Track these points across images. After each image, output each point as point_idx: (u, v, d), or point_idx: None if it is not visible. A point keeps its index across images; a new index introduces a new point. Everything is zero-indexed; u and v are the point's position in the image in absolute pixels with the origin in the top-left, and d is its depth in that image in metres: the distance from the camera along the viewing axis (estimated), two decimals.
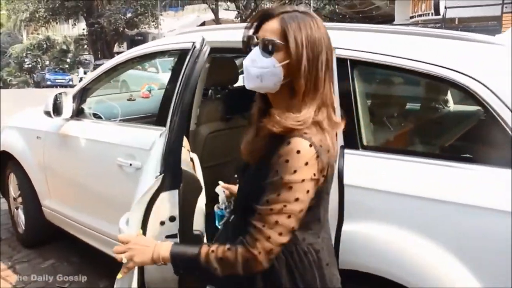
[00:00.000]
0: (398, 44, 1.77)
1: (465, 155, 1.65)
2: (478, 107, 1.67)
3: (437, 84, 2.09)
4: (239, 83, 3.06)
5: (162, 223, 1.77)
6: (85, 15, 29.33)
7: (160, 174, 1.83)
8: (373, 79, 2.29)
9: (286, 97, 1.14)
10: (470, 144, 1.97)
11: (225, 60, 2.94)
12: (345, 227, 1.66)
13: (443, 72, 1.59)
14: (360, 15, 22.37)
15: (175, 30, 21.17)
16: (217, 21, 24.33)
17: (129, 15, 28.79)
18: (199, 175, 2.00)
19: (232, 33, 2.26)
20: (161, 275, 1.75)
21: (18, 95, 17.82)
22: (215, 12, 25.08)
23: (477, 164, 1.53)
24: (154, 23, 28.67)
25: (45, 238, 3.48)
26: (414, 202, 1.56)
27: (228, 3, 25.43)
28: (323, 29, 1.14)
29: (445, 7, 11.99)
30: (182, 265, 1.20)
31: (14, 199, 3.52)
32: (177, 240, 1.76)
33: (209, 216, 1.90)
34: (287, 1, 22.67)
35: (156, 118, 2.42)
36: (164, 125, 2.12)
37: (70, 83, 25.67)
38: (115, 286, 1.54)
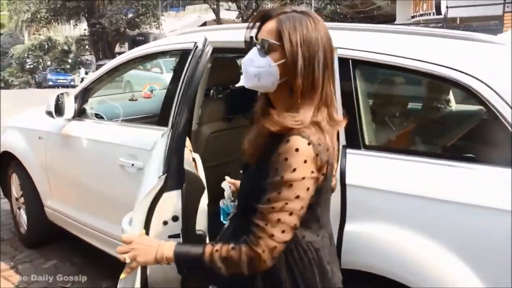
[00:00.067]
0: (400, 44, 1.77)
1: (468, 155, 1.65)
2: (480, 107, 1.67)
3: (439, 84, 2.09)
4: (240, 83, 3.06)
5: (165, 223, 1.77)
6: (86, 15, 29.40)
7: (163, 174, 1.83)
8: (375, 79, 2.29)
9: (286, 97, 1.16)
10: (472, 143, 1.97)
11: (226, 60, 2.94)
12: (347, 227, 1.66)
13: (446, 71, 1.58)
14: (361, 15, 22.36)
15: (176, 30, 21.21)
16: (218, 21, 24.36)
17: (130, 15, 28.87)
18: (201, 175, 2.01)
19: (234, 33, 2.26)
20: (164, 275, 1.75)
21: (18, 95, 17.86)
22: (216, 12, 25.10)
23: (480, 163, 1.53)
24: (155, 23, 28.75)
25: (47, 238, 3.49)
26: (416, 201, 1.56)
27: (229, 3, 25.46)
28: (322, 29, 1.15)
29: (447, 7, 11.99)
30: (186, 265, 1.20)
31: (16, 199, 3.52)
32: (180, 240, 1.76)
33: (211, 216, 1.90)
34: (288, 1, 22.70)
35: (158, 118, 2.42)
36: (166, 125, 2.12)
37: (72, 83, 25.74)
38: (118, 286, 1.54)
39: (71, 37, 34.63)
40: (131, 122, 2.96)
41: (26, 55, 32.72)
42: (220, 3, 25.55)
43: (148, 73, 10.05)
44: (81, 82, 12.61)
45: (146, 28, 30.25)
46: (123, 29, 28.71)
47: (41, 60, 32.74)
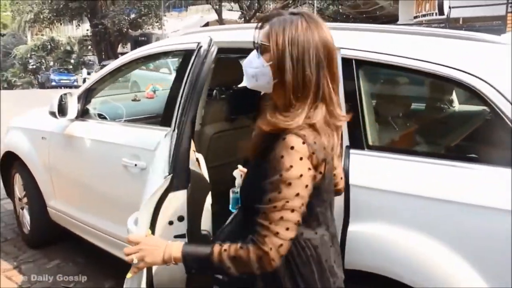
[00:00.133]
0: (403, 44, 1.77)
1: (471, 155, 1.65)
2: (484, 107, 1.66)
3: (442, 84, 2.09)
4: (243, 84, 3.06)
5: (171, 223, 1.78)
6: (89, 16, 29.45)
7: (169, 174, 1.83)
8: (378, 79, 2.29)
9: (281, 97, 1.18)
10: (475, 144, 1.96)
11: (229, 61, 2.94)
12: (351, 227, 1.66)
13: (449, 72, 1.58)
14: (364, 15, 22.33)
15: (179, 30, 21.24)
16: (220, 21, 24.39)
17: (132, 16, 28.89)
18: (205, 175, 2.01)
19: (237, 34, 2.27)
20: (169, 275, 1.75)
21: (21, 96, 17.90)
22: (219, 12, 25.14)
23: (483, 164, 1.52)
24: (157, 23, 28.78)
25: (50, 238, 3.49)
26: (420, 202, 1.55)
27: (232, 3, 25.48)
28: (317, 29, 1.16)
29: (449, 7, 11.98)
30: (194, 265, 1.21)
31: (20, 199, 3.53)
32: (186, 240, 1.77)
33: (216, 216, 1.90)
34: (290, 2, 22.71)
35: (161, 119, 2.42)
36: (169, 125, 2.13)
37: (75, 83, 25.78)
38: (124, 286, 1.54)
39: (73, 37, 34.70)
40: (134, 122, 2.97)
41: (29, 56, 32.78)
42: (223, 3, 25.58)
43: (155, 74, 9.96)
44: (83, 82, 12.59)
45: (148, 28, 30.27)
46: (125, 30, 28.73)
47: (43, 61, 32.82)
